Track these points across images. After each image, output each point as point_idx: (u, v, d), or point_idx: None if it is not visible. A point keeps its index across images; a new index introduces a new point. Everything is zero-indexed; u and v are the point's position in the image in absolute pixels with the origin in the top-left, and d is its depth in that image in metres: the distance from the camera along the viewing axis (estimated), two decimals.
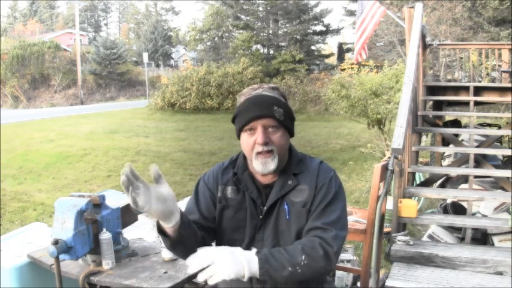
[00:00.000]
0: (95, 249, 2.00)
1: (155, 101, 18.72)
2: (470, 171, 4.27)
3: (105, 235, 1.99)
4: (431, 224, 3.92)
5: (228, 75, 18.07)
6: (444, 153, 5.65)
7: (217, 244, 1.58)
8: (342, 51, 22.29)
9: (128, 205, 2.33)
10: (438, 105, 5.82)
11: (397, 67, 7.38)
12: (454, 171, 4.58)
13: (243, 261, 1.26)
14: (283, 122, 1.48)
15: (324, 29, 22.82)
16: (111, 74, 28.23)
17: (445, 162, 5.55)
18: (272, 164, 1.48)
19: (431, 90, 5.39)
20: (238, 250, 1.30)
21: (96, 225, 2.01)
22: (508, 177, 4.12)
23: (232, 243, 1.45)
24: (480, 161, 4.61)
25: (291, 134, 1.56)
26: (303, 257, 1.34)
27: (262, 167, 1.48)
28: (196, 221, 1.54)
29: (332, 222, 1.45)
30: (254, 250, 1.33)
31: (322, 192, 1.50)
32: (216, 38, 23.79)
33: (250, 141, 1.49)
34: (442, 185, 4.96)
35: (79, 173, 7.54)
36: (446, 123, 5.81)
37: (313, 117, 16.12)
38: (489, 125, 6.65)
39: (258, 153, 1.48)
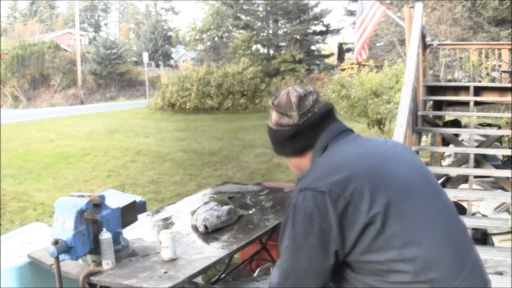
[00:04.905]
0: (95, 249, 2.00)
1: (155, 101, 18.70)
2: (470, 171, 4.27)
3: (105, 235, 1.99)
4: None
5: (228, 75, 18.06)
6: (444, 153, 5.65)
7: None
8: (342, 51, 22.25)
9: (128, 205, 2.34)
10: (438, 105, 5.81)
11: (397, 67, 7.40)
12: (454, 171, 4.58)
13: None
14: (276, 150, 1.42)
15: (324, 29, 22.82)
16: (111, 74, 28.22)
17: (445, 162, 5.55)
18: None
19: (431, 90, 5.38)
20: None
21: (96, 225, 2.01)
22: (508, 177, 4.12)
23: None
24: (480, 161, 4.61)
25: (297, 152, 1.34)
26: None
27: None
28: None
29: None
30: None
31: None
32: (216, 38, 23.78)
33: None
34: (442, 185, 4.96)
35: (79, 173, 7.54)
36: (446, 123, 5.81)
37: None
38: (489, 125, 6.65)
39: None
